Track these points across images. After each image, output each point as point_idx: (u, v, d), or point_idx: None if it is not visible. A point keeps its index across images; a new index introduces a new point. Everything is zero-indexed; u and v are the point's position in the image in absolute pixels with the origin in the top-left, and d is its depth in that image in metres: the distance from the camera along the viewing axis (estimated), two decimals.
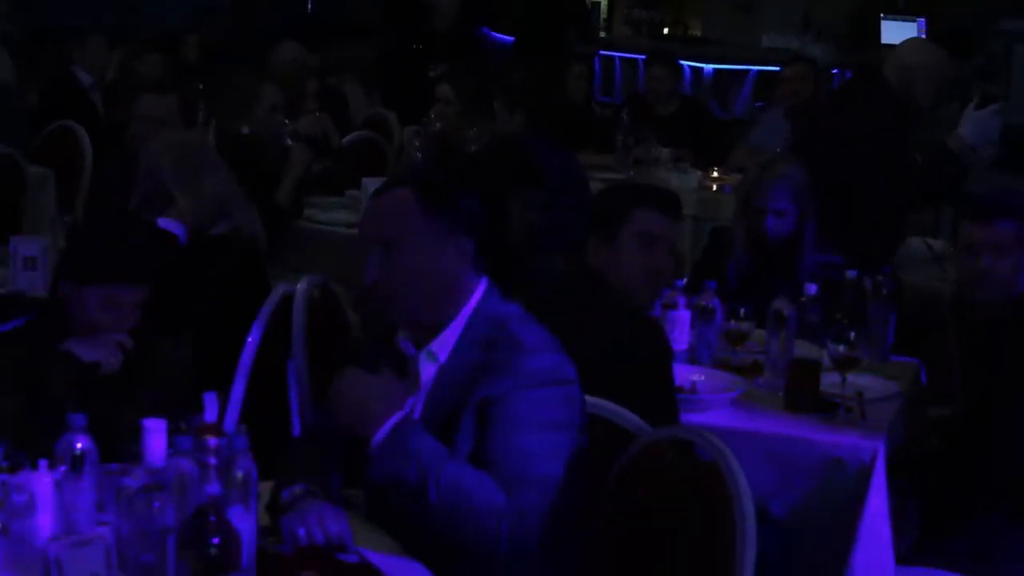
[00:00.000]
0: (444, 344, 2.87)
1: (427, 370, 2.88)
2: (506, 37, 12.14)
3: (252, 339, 4.07)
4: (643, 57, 10.17)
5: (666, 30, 13.65)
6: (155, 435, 2.38)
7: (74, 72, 8.39)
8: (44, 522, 2.54)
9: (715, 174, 7.62)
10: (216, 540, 2.26)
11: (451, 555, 2.66)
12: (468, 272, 2.88)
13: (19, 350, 3.32)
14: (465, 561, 2.68)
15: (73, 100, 8.14)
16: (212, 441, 2.35)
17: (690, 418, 3.57)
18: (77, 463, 2.53)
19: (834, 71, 11.24)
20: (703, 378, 3.97)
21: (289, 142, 6.62)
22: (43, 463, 2.62)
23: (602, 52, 12.77)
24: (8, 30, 9.00)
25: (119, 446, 2.65)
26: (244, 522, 2.39)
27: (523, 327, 2.87)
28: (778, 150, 6.74)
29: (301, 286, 4.24)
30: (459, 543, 2.65)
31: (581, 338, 3.05)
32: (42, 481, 2.59)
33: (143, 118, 5.65)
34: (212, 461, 2.33)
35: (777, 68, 9.11)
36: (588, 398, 2.98)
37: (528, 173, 4.62)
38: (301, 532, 2.58)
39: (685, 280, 4.82)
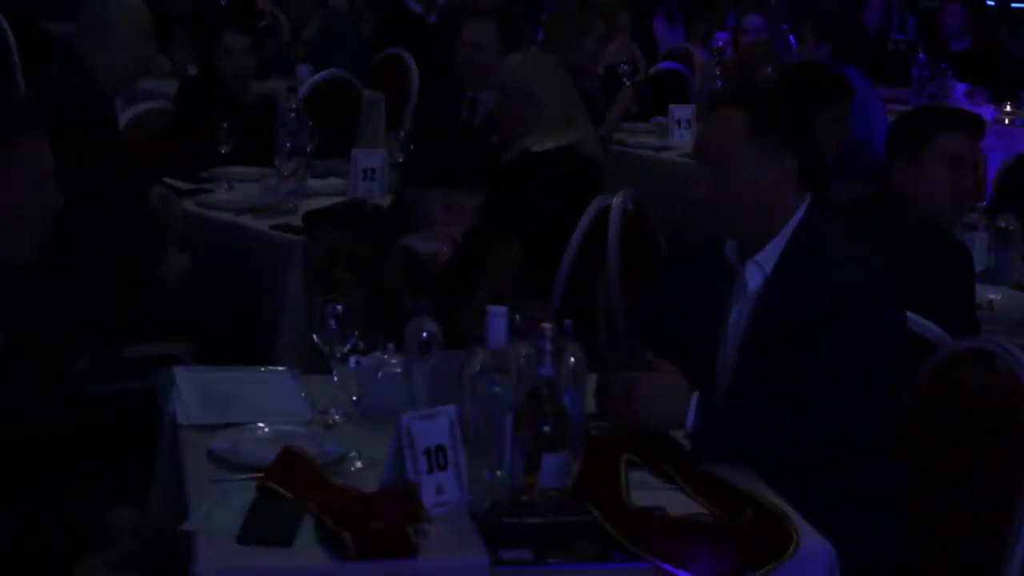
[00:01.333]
0: (770, 256, 2.89)
1: (754, 279, 2.91)
2: None
3: (571, 245, 4.20)
4: None
5: None
6: (497, 320, 2.48)
7: (406, 2, 8.62)
8: (396, 394, 2.71)
9: (1008, 108, 7.39)
10: (549, 420, 2.38)
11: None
12: (792, 188, 2.90)
13: (363, 248, 3.50)
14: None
15: (405, 28, 8.35)
16: (547, 328, 2.44)
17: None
18: (424, 346, 2.68)
19: None
20: (999, 297, 3.94)
21: (600, 71, 6.75)
22: (391, 346, 2.79)
23: None
24: None
25: (456, 332, 2.78)
26: (574, 405, 2.49)
27: (846, 245, 2.90)
28: None
29: (617, 200, 4.33)
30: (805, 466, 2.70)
31: (888, 255, 3.03)
32: (392, 361, 2.76)
33: (465, 43, 5.80)
34: (547, 347, 2.42)
35: None
36: None
37: (834, 91, 4.63)
38: None
39: (985, 203, 4.74)
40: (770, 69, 6.63)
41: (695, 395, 2.72)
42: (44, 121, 2.61)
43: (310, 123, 4.93)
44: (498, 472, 2.40)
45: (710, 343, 2.98)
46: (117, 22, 4.58)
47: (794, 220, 2.89)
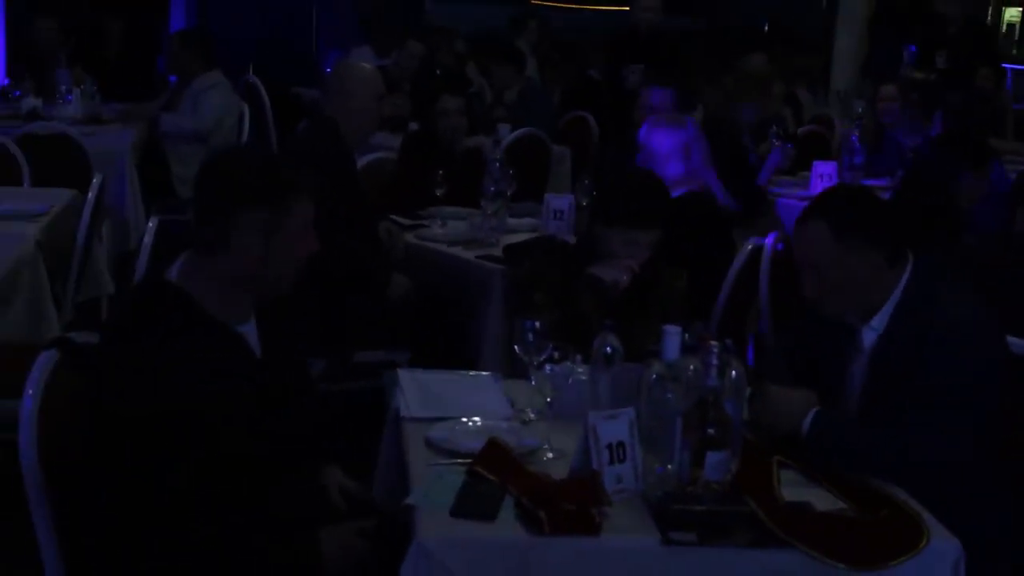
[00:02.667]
0: (881, 319, 2.82)
1: (869, 337, 2.84)
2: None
3: (729, 277, 4.17)
4: None
5: None
6: (672, 338, 2.48)
7: (589, 73, 8.67)
8: (583, 397, 2.71)
9: None
10: (713, 424, 2.36)
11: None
12: (884, 272, 2.80)
13: (556, 275, 3.53)
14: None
15: (587, 94, 8.38)
16: (713, 346, 2.41)
17: None
18: (608, 358, 2.68)
19: None
20: None
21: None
22: (579, 358, 2.79)
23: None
24: (535, 43, 9.36)
25: (635, 347, 2.77)
26: (734, 411, 2.46)
27: (949, 298, 2.80)
28: None
29: (769, 240, 4.28)
30: (901, 471, 2.62)
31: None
32: (580, 370, 2.76)
33: (642, 107, 5.80)
34: (713, 362, 2.39)
35: None
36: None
37: (976, 157, 4.57)
38: None
39: None
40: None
41: (814, 409, 2.68)
42: (310, 181, 2.58)
43: (510, 172, 4.98)
44: (669, 466, 2.41)
45: (837, 374, 2.93)
46: (356, 90, 4.68)
47: (899, 289, 2.81)
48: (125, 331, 2.49)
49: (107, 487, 2.37)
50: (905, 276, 2.81)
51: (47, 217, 4.61)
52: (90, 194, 4.76)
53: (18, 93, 7.33)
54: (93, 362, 2.48)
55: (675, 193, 4.20)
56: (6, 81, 8.25)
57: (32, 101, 7.16)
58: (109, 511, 2.37)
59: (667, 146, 4.93)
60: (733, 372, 2.47)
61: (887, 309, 2.81)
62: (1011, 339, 2.92)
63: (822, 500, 2.46)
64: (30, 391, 2.47)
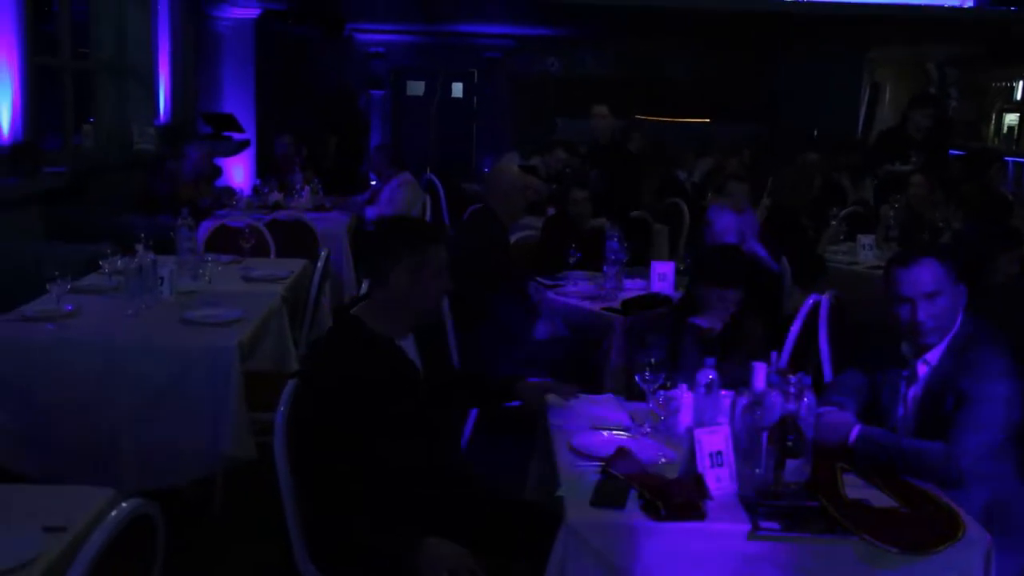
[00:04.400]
0: (935, 354, 2.73)
1: (923, 370, 2.75)
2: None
3: (794, 327, 4.07)
4: None
5: None
6: (759, 371, 2.43)
7: (675, 172, 8.62)
8: (686, 418, 2.68)
9: None
10: (791, 437, 2.31)
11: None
12: (959, 309, 2.74)
13: (664, 323, 3.50)
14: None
15: (676, 188, 8.32)
16: (792, 378, 2.37)
17: None
18: (710, 385, 2.65)
19: None
20: None
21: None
22: (684, 385, 2.76)
23: None
24: (640, 148, 9.30)
25: (727, 378, 2.73)
26: (807, 428, 2.39)
27: (985, 338, 2.69)
28: None
29: (826, 297, 4.16)
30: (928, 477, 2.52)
31: None
32: (686, 395, 2.73)
33: (729, 194, 5.74)
34: (791, 390, 2.35)
35: None
36: None
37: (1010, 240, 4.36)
38: None
39: None
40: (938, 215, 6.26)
41: (858, 425, 2.61)
42: (444, 235, 2.70)
43: (624, 244, 4.98)
44: (757, 470, 2.35)
45: (895, 400, 2.82)
46: (508, 184, 4.75)
47: (953, 331, 2.72)
48: (319, 352, 2.72)
49: (316, 464, 2.44)
50: (957, 323, 2.73)
51: (289, 279, 4.74)
52: (319, 263, 4.89)
53: (266, 190, 7.60)
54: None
55: None
56: (258, 181, 8.56)
57: (276, 195, 7.42)
58: (318, 487, 2.44)
59: (727, 224, 4.97)
60: (806, 399, 2.41)
61: (941, 346, 2.72)
62: None
63: (877, 498, 2.37)
64: (281, 408, 2.56)
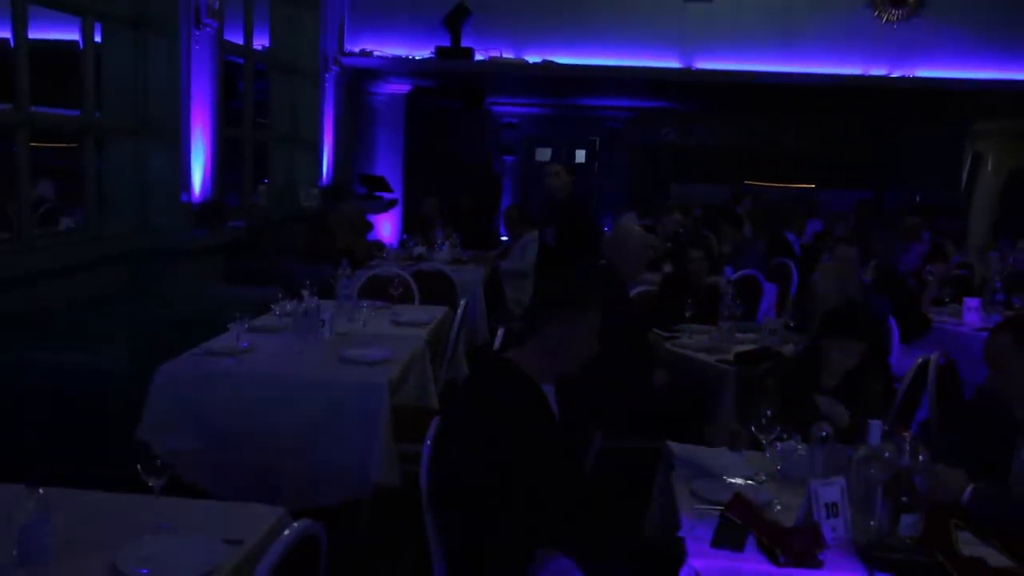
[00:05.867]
0: None
1: None
2: None
3: (905, 382, 3.88)
4: None
5: None
6: (876, 428, 2.32)
7: (784, 233, 8.41)
8: (804, 467, 2.57)
9: None
10: (906, 492, 2.19)
11: None
12: None
13: (776, 382, 3.33)
14: None
15: (785, 247, 8.12)
16: (906, 435, 2.26)
17: None
18: (823, 439, 2.54)
19: None
20: None
21: None
22: (798, 437, 2.66)
23: None
24: (749, 210, 9.13)
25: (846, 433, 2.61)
26: (922, 484, 2.27)
27: None
28: None
29: (933, 356, 3.96)
30: None
31: None
32: (800, 447, 2.63)
33: (838, 258, 5.52)
34: (906, 448, 2.23)
35: None
36: None
37: None
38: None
39: None
40: None
41: (971, 485, 2.45)
42: (597, 303, 2.64)
43: (737, 300, 4.87)
44: (872, 523, 2.23)
45: (1006, 456, 2.63)
46: (634, 244, 4.71)
47: None
48: (471, 387, 2.66)
49: (463, 497, 2.41)
50: None
51: (431, 324, 4.81)
52: (458, 310, 4.97)
53: (411, 244, 7.80)
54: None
55: None
56: (404, 236, 8.79)
57: (420, 248, 7.60)
58: (465, 521, 2.41)
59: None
60: (920, 455, 2.29)
61: None
62: None
63: (993, 557, 2.22)
64: (428, 441, 2.58)
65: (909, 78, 9.67)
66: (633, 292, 5.35)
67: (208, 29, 6.18)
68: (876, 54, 9.75)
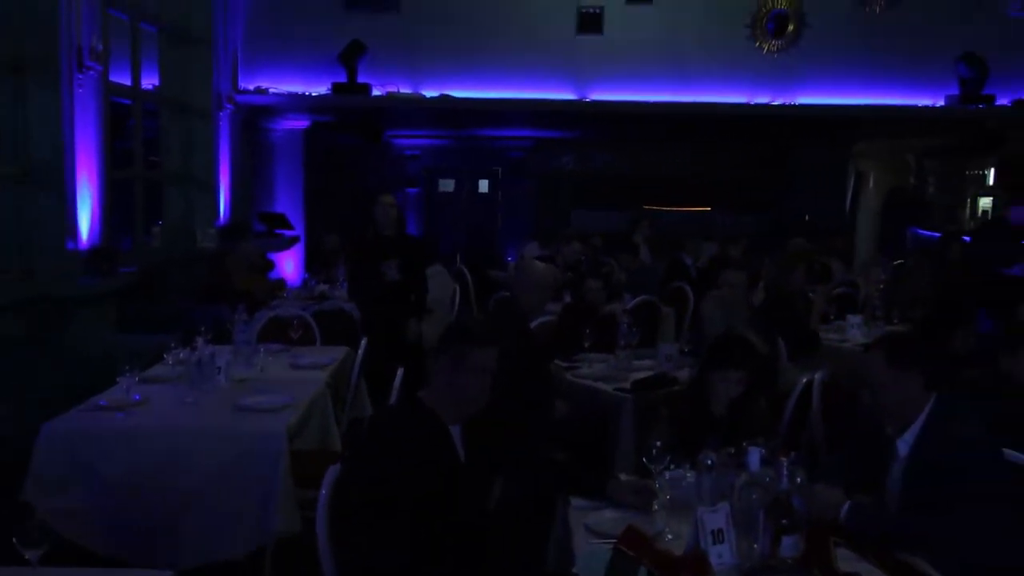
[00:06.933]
0: (911, 435, 2.70)
1: (903, 448, 2.71)
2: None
3: (790, 403, 4.03)
4: None
5: None
6: (754, 454, 2.41)
7: (681, 257, 8.62)
8: (692, 495, 2.64)
9: None
10: (785, 516, 2.28)
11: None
12: (919, 394, 2.68)
13: (669, 411, 3.35)
14: None
15: (681, 272, 8.33)
16: (783, 460, 2.36)
17: None
18: (709, 467, 2.61)
19: None
20: None
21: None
22: (687, 465, 2.73)
23: None
24: (646, 236, 9.30)
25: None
26: (800, 505, 2.36)
27: (962, 423, 2.64)
28: None
29: (819, 376, 4.13)
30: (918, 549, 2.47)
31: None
32: (689, 476, 2.69)
33: (724, 284, 5.70)
34: (784, 472, 2.33)
35: None
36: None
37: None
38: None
39: None
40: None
41: (849, 502, 2.56)
42: (496, 339, 2.67)
43: (634, 328, 4.98)
44: (755, 546, 2.32)
45: (882, 476, 2.78)
46: (532, 277, 4.75)
47: (926, 410, 2.68)
48: (373, 425, 2.68)
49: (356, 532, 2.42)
50: (930, 403, 2.69)
51: (332, 366, 4.76)
52: (359, 350, 4.94)
53: (313, 282, 7.70)
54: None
55: None
56: (307, 275, 8.67)
57: (322, 287, 7.52)
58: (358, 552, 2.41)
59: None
60: (799, 478, 2.39)
61: (915, 428, 2.68)
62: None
63: (869, 573, 2.32)
64: (323, 491, 2.56)
65: (791, 105, 10.14)
66: (534, 323, 5.42)
67: (91, 72, 6.02)
68: (759, 83, 10.20)
